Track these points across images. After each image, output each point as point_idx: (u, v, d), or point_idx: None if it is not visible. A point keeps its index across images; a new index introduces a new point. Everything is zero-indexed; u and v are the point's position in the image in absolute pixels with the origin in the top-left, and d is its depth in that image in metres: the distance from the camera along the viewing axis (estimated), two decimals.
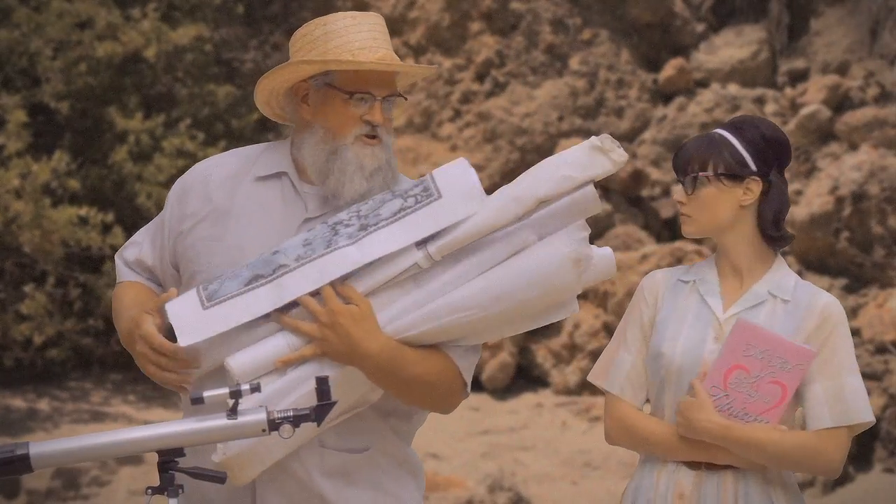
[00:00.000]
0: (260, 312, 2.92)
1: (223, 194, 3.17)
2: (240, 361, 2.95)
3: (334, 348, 2.95)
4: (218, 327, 2.92)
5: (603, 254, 3.06)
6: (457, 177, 2.99)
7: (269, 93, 3.20)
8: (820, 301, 3.26)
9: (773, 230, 3.30)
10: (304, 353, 2.96)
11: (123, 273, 3.29)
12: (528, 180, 2.97)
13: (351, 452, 3.11)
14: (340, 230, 2.96)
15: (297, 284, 2.92)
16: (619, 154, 2.99)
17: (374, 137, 3.10)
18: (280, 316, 2.97)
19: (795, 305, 3.25)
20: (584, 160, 2.96)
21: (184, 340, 2.92)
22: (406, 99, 3.20)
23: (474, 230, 2.95)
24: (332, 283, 2.96)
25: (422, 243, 2.95)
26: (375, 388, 3.04)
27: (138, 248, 3.27)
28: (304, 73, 3.13)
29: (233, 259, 3.07)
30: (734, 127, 3.31)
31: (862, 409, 3.20)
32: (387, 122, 3.12)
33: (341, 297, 2.96)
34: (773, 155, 3.28)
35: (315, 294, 2.97)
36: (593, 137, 3.00)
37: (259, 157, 3.22)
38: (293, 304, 2.98)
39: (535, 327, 3.10)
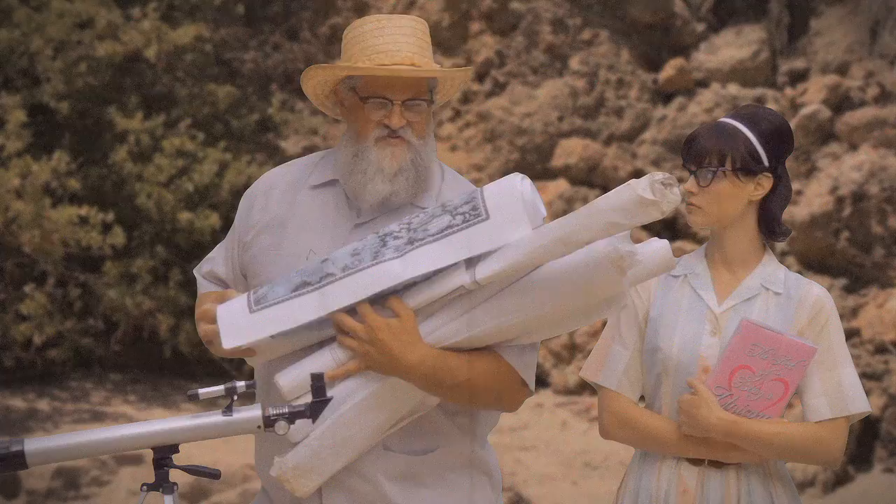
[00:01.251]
0: (304, 320, 2.95)
1: (282, 204, 3.21)
2: (288, 378, 2.99)
3: (376, 362, 2.97)
4: (261, 333, 2.96)
5: (656, 247, 3.01)
6: (506, 197, 2.95)
7: (315, 97, 3.24)
8: (812, 293, 3.29)
9: (776, 225, 3.32)
10: (349, 367, 2.99)
11: (202, 286, 3.34)
12: (575, 224, 2.89)
13: (417, 454, 3.11)
14: (389, 242, 2.97)
15: (339, 295, 2.94)
16: (670, 202, 2.84)
17: (396, 137, 3.09)
18: (335, 332, 3.01)
19: (787, 298, 3.28)
20: (633, 209, 2.84)
21: (227, 343, 2.97)
22: (430, 103, 3.14)
23: (520, 266, 2.92)
24: (379, 296, 2.97)
25: (470, 267, 2.94)
26: None
27: (212, 263, 3.34)
28: (322, 78, 3.16)
29: (290, 268, 3.10)
30: (748, 119, 3.29)
31: (859, 400, 3.25)
32: (415, 125, 3.10)
33: (385, 308, 2.97)
34: (783, 149, 3.29)
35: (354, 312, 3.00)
36: (646, 185, 2.84)
37: (317, 165, 3.25)
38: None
39: (586, 324, 3.08)
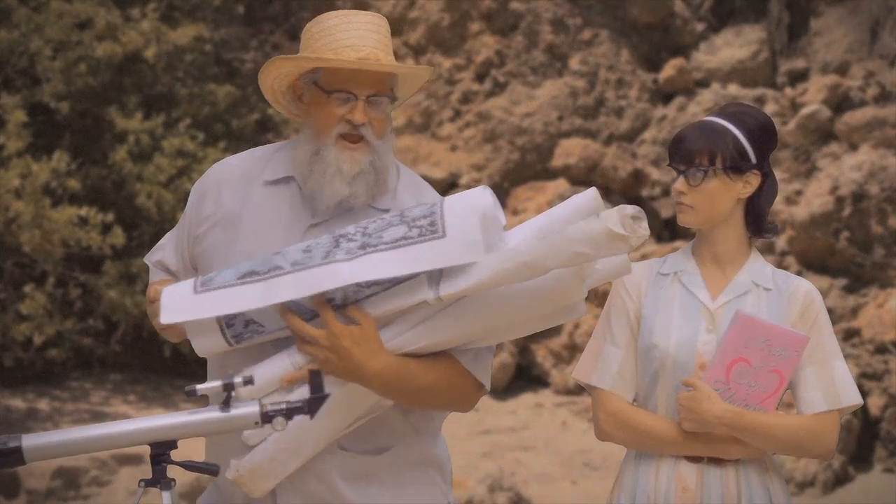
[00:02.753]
0: (244, 308, 2.93)
1: (235, 199, 3.18)
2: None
3: (338, 369, 2.97)
4: (200, 312, 2.95)
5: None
6: (465, 218, 2.93)
7: (271, 92, 3.21)
8: (801, 288, 3.33)
9: (764, 222, 3.34)
10: (306, 373, 2.97)
11: (154, 273, 3.33)
12: (543, 250, 2.90)
13: (372, 454, 3.12)
14: (342, 244, 2.95)
15: (284, 289, 2.92)
16: (640, 237, 2.89)
17: (357, 140, 3.07)
18: (296, 342, 3.00)
19: (778, 293, 3.30)
20: (603, 242, 2.88)
21: (165, 318, 2.97)
22: (394, 99, 3.13)
23: (485, 286, 2.93)
24: (335, 303, 2.97)
25: (433, 283, 2.94)
26: None
27: (161, 252, 3.32)
28: (286, 69, 3.13)
29: None
30: (735, 118, 3.31)
31: (851, 392, 3.29)
32: (375, 121, 3.08)
33: (345, 317, 2.96)
34: (769, 146, 3.32)
35: (314, 318, 2.98)
36: (617, 220, 2.87)
37: (271, 159, 3.22)
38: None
39: (542, 329, 3.10)
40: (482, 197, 2.95)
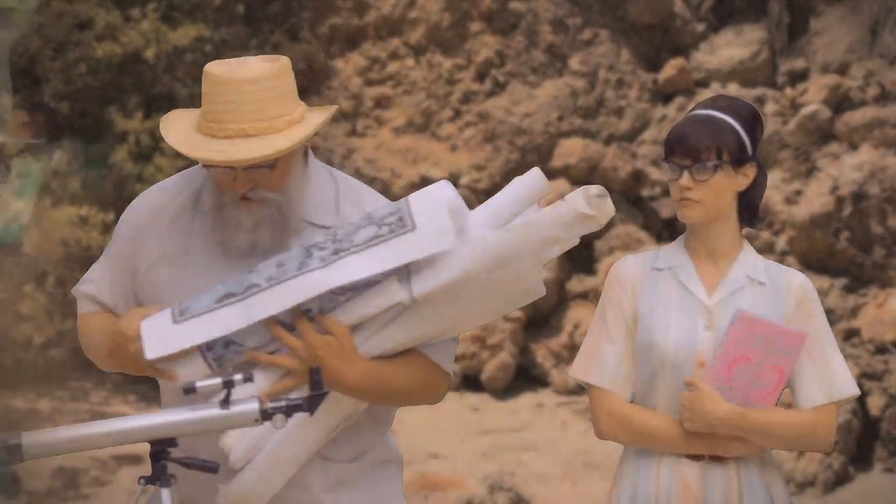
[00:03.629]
0: (228, 330, 2.92)
1: (177, 233, 3.14)
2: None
3: None
4: (185, 343, 2.93)
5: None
6: (432, 207, 2.95)
7: None
8: (795, 281, 3.31)
9: (758, 213, 3.34)
10: (286, 384, 2.98)
11: (83, 305, 3.25)
12: (512, 240, 2.94)
13: (351, 461, 3.14)
14: (314, 253, 2.95)
15: (264, 305, 2.91)
16: (606, 214, 2.97)
17: (248, 199, 3.04)
18: (256, 355, 2.98)
19: (772, 287, 3.29)
20: (573, 224, 2.96)
21: (150, 353, 2.94)
22: (273, 168, 3.04)
23: (457, 281, 2.94)
24: (312, 314, 2.96)
25: (405, 283, 2.95)
26: None
27: (93, 285, 3.24)
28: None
29: (201, 291, 3.04)
30: (731, 111, 3.30)
31: (849, 384, 3.29)
32: (266, 182, 3.03)
33: (319, 327, 2.96)
34: (760, 136, 3.33)
35: (290, 327, 2.99)
36: (583, 201, 2.95)
37: (203, 187, 3.18)
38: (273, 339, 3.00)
39: (505, 313, 3.15)
40: (445, 189, 2.99)
